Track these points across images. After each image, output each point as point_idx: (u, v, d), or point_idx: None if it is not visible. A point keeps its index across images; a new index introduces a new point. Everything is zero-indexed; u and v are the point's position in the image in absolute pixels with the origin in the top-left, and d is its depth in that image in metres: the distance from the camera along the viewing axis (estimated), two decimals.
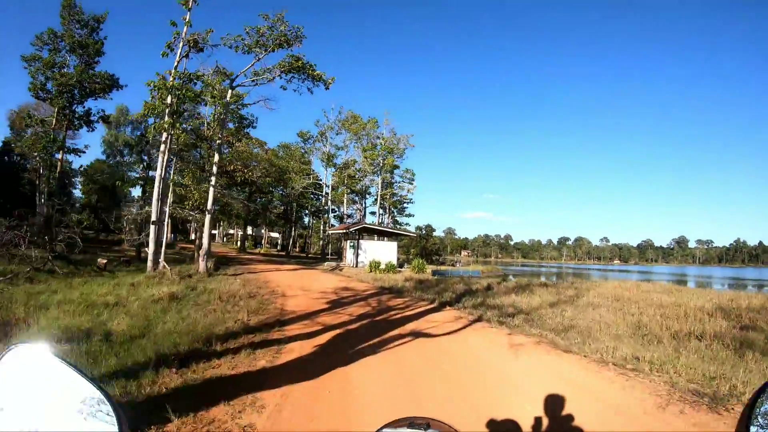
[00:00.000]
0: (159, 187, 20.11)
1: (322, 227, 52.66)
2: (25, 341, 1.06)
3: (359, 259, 34.78)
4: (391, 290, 17.63)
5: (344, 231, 36.84)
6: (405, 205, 63.35)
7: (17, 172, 41.69)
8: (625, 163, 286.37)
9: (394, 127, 52.70)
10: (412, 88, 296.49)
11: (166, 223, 20.19)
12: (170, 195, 21.18)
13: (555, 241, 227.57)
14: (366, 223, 37.45)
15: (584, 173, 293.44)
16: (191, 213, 21.47)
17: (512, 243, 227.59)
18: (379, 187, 52.28)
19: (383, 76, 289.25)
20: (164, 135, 20.32)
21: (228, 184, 31.69)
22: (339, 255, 49.30)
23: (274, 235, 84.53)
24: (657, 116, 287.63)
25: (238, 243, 58.49)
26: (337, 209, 74.78)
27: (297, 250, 73.94)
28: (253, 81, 23.28)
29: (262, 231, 75.08)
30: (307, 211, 65.05)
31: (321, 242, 49.86)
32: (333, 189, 55.76)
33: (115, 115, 48.87)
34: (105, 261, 21.56)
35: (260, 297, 13.33)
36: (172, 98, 20.06)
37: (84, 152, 36.76)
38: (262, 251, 62.87)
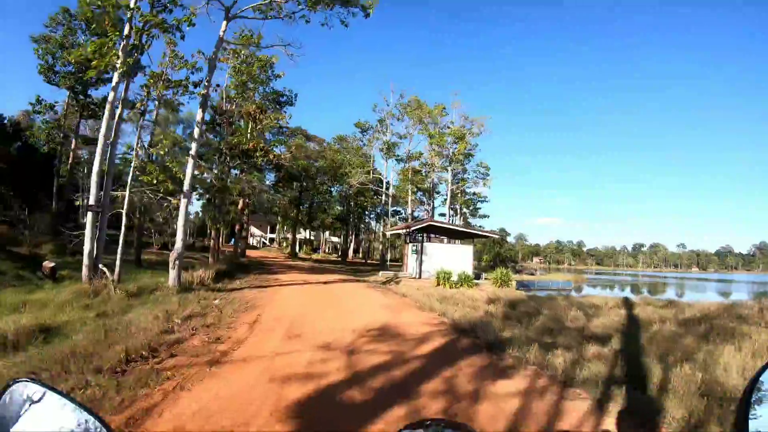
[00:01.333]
0: (103, 159, 12.92)
1: (381, 230, 44.48)
2: (21, 379, 1.09)
3: (423, 267, 26.29)
4: (472, 334, 8.92)
5: (405, 231, 28.42)
6: (478, 205, 53.87)
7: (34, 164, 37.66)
8: (703, 166, 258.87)
9: (466, 111, 43.73)
10: (480, 75, 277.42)
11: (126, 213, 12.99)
12: (132, 171, 13.81)
13: (629, 248, 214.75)
14: (433, 221, 28.78)
15: (661, 177, 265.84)
16: (166, 198, 13.99)
17: (585, 249, 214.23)
18: (449, 182, 43.40)
19: (451, 63, 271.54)
20: (114, 77, 13.14)
21: (250, 167, 24.51)
22: (402, 261, 41.02)
23: (336, 239, 78.05)
24: (741, 116, 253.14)
25: (289, 247, 51.71)
26: (402, 211, 67.07)
27: (359, 256, 66.74)
28: (259, 11, 15.73)
29: (322, 235, 68.74)
30: (369, 213, 57.57)
31: (381, 247, 41.71)
32: (396, 186, 47.77)
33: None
34: (53, 265, 14.77)
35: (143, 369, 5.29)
36: (130, 28, 12.97)
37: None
38: (318, 257, 56.14)
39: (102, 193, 12.78)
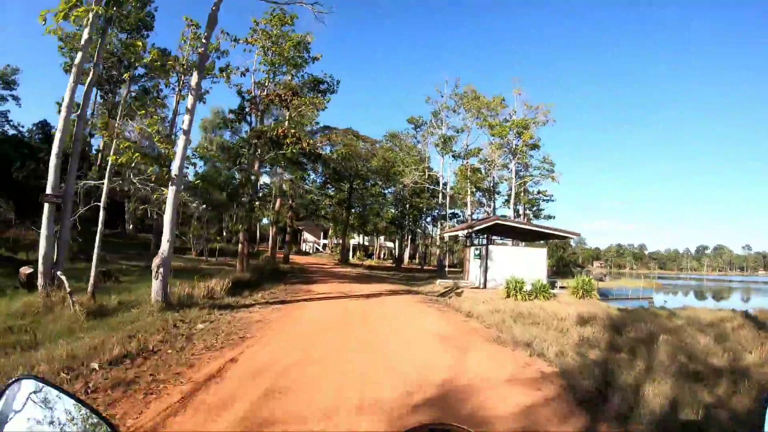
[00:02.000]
0: (66, 136, 9.73)
1: (438, 233, 40.00)
2: (25, 375, 1.11)
3: (489, 275, 21.77)
4: (601, 401, 4.52)
5: (466, 232, 23.96)
6: (541, 205, 47.85)
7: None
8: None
9: (528, 99, 38.53)
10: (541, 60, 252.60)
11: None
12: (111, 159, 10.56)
13: (692, 250, 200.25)
14: (500, 219, 23.97)
15: (724, 176, 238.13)
16: (146, 186, 10.65)
17: (647, 252, 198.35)
18: (513, 179, 38.33)
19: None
20: (84, 33, 9.96)
21: (287, 162, 21.08)
22: (462, 267, 36.42)
23: (391, 245, 74.30)
24: None
25: (339, 253, 48.29)
26: (459, 213, 62.61)
27: (415, 262, 62.53)
28: None
29: (376, 240, 65.22)
30: (425, 216, 53.32)
31: (438, 251, 37.30)
32: (453, 187, 43.31)
33: None
34: (30, 271, 11.87)
35: None
36: None
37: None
38: (372, 263, 52.53)
39: (65, 181, 9.57)
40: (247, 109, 20.65)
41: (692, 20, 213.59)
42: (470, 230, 21.79)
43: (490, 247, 21.94)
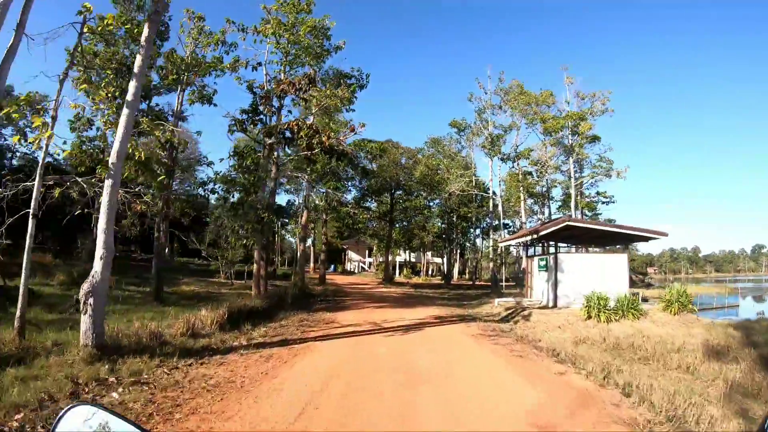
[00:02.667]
0: None
1: (491, 245, 35.41)
2: (81, 402, 1.27)
3: (559, 290, 17.35)
4: None
5: (527, 238, 19.52)
6: (598, 208, 41.99)
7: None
8: None
9: (580, 89, 33.81)
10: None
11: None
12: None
13: (748, 250, 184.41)
14: (572, 220, 19.00)
15: None
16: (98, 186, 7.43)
17: (701, 255, 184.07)
18: (572, 178, 33.48)
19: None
20: None
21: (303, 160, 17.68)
22: (520, 282, 31.76)
23: (439, 260, 69.81)
24: None
25: (382, 271, 44.34)
26: (510, 223, 57.95)
27: (464, 277, 57.82)
28: None
29: (423, 256, 61.07)
30: (474, 227, 48.86)
31: (491, 265, 32.79)
32: (502, 194, 38.87)
33: None
34: None
35: None
36: None
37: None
38: (419, 280, 48.46)
39: None
40: (260, 108, 17.65)
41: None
42: (534, 236, 17.43)
43: (560, 255, 17.54)
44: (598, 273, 17.38)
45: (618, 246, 21.55)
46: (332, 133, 15.26)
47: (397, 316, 13.73)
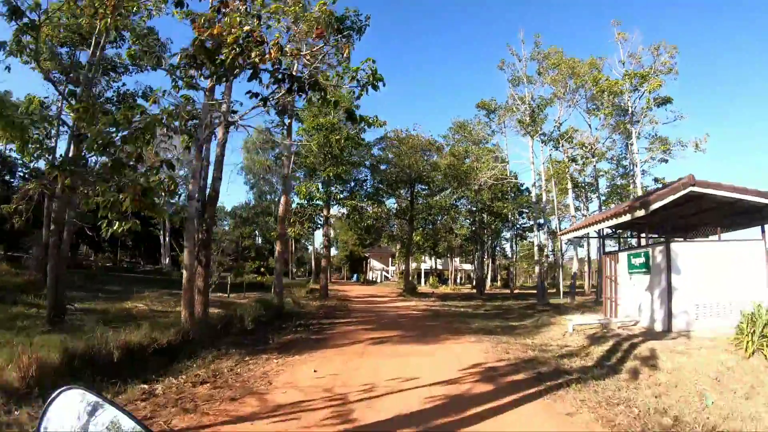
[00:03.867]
0: None
1: (537, 245, 27.90)
2: (70, 386, 1.10)
3: (674, 304, 10.27)
4: None
5: (612, 222, 11.88)
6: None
7: None
8: None
9: (635, 49, 26.44)
10: None
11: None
12: None
13: None
14: (697, 185, 11.15)
15: None
16: None
17: None
18: (635, 153, 26.09)
19: None
20: None
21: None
22: (572, 290, 24.56)
23: (468, 267, 62.28)
24: None
25: (404, 281, 37.00)
26: (546, 222, 50.43)
27: (496, 285, 50.36)
28: None
29: (450, 262, 53.88)
30: (508, 226, 41.50)
31: (537, 268, 25.53)
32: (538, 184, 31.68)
33: None
34: None
35: None
36: None
37: None
38: (447, 290, 41.38)
39: None
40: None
41: None
42: (630, 211, 10.08)
43: (677, 246, 10.46)
44: (728, 271, 10.32)
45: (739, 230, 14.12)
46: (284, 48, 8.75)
47: (407, 367, 7.00)
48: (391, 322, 13.69)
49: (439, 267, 59.19)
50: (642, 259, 11.53)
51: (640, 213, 9.71)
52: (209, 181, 12.36)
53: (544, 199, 26.26)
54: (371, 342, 9.45)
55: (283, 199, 14.82)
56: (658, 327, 10.69)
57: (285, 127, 13.74)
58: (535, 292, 40.29)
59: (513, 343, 9.42)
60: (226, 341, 9.45)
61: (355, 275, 66.68)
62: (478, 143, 33.00)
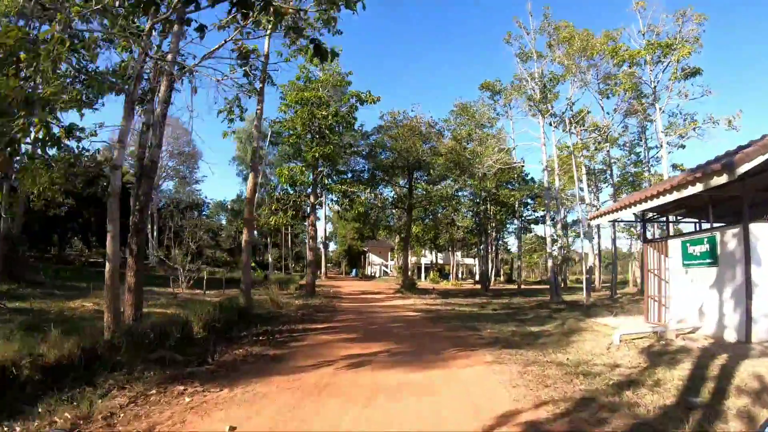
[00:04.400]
0: None
1: (549, 235, 24.88)
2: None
3: (756, 307, 7.56)
4: None
5: (664, 196, 9.02)
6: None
7: None
8: None
9: (658, 20, 23.45)
10: None
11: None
12: None
13: None
14: None
15: None
16: None
17: None
18: (659, 130, 23.26)
19: None
20: None
21: None
22: (588, 285, 21.92)
23: (470, 261, 59.43)
24: None
25: (402, 276, 33.93)
26: (553, 215, 47.71)
27: (500, 280, 47.71)
28: None
29: (452, 256, 51.12)
30: (514, 216, 38.77)
31: (549, 262, 22.68)
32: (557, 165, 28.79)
33: None
34: None
35: None
36: None
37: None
38: (448, 285, 38.68)
39: None
40: None
41: None
42: (707, 180, 7.26)
43: (758, 229, 7.74)
44: None
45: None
46: None
47: (390, 423, 4.31)
48: (381, 328, 10.91)
49: (440, 261, 56.47)
50: (705, 247, 8.78)
51: (720, 180, 6.93)
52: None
53: (557, 184, 23.41)
54: (346, 364, 6.72)
55: (250, 177, 12.06)
56: (730, 336, 7.99)
57: (249, 79, 10.98)
58: (541, 287, 37.60)
59: (545, 364, 6.66)
60: (153, 357, 6.83)
61: (354, 270, 64.13)
62: (482, 127, 30.22)
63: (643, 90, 24.33)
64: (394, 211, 32.20)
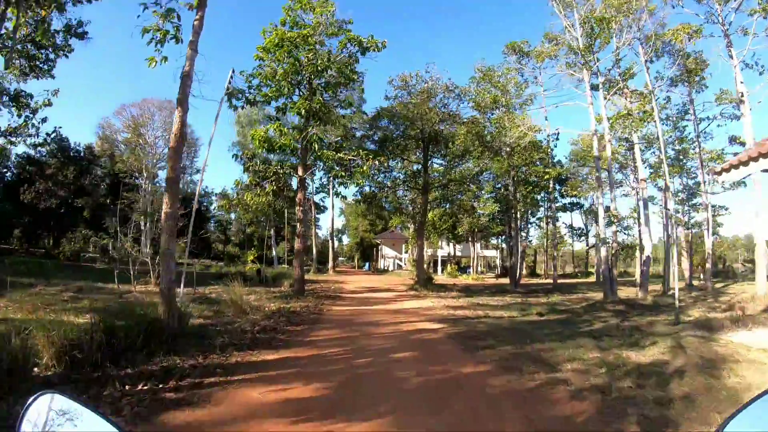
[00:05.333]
0: None
1: (602, 217, 19.42)
2: (45, 390, 1.04)
3: None
4: None
5: None
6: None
7: None
8: None
9: None
10: None
11: None
12: None
13: None
14: None
15: None
16: None
17: None
18: (739, 88, 18.11)
19: None
20: None
21: None
22: (645, 279, 17.13)
23: (490, 253, 54.35)
24: None
25: (417, 269, 28.52)
26: (578, 204, 43.32)
27: (525, 273, 42.51)
28: None
29: (472, 248, 46.26)
30: (547, 200, 33.75)
31: (603, 251, 17.65)
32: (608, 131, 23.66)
33: None
34: None
35: None
36: None
37: None
38: (468, 280, 33.92)
39: None
40: None
41: None
42: None
43: None
44: None
45: None
46: None
47: None
48: (376, 372, 5.97)
49: (458, 254, 51.61)
50: None
51: None
52: None
53: (609, 153, 18.27)
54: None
55: (176, 115, 7.59)
56: None
57: None
58: (576, 281, 32.43)
59: None
60: None
61: (367, 264, 60.03)
62: (508, 94, 25.26)
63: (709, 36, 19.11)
64: (407, 193, 27.42)
